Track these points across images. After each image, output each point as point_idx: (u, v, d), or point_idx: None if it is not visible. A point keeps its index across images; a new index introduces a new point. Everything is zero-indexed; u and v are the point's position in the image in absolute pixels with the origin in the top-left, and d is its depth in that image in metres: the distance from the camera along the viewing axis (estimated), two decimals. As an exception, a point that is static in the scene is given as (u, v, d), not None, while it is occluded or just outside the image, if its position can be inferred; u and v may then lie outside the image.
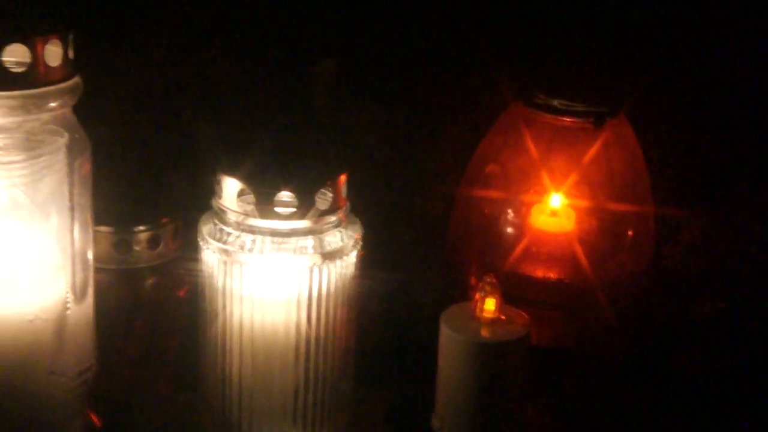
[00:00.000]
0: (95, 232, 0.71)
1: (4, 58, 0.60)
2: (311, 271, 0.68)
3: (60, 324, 0.67)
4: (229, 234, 0.68)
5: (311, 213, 0.67)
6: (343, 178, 0.69)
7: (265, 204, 0.66)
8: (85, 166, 0.67)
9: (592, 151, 0.86)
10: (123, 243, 0.81)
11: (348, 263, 0.70)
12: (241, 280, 0.68)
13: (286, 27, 0.93)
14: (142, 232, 0.81)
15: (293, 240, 0.68)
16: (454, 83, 1.01)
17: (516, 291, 0.80)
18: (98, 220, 0.70)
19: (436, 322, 0.73)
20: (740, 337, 0.91)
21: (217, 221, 0.69)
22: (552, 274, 0.88)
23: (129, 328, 0.83)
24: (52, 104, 0.63)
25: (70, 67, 0.64)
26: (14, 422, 0.68)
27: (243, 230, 0.67)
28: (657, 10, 0.92)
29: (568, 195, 0.88)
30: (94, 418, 0.75)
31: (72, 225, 0.67)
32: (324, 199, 0.68)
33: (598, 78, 0.87)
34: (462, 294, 0.90)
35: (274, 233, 0.67)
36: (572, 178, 0.87)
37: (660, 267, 0.95)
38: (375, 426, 0.79)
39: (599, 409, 0.82)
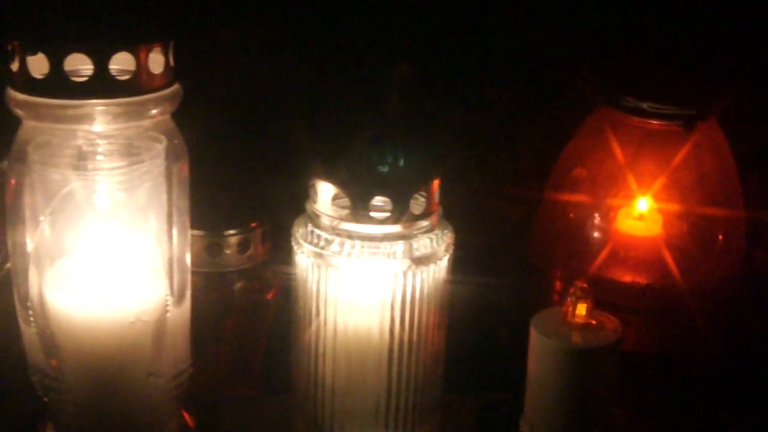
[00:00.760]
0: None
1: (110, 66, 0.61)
2: (405, 276, 0.68)
3: (160, 326, 0.68)
4: (323, 238, 0.69)
5: (405, 217, 0.67)
6: (436, 182, 0.69)
7: (360, 208, 0.67)
8: (183, 171, 0.68)
9: (682, 154, 0.85)
10: (214, 246, 0.81)
11: (440, 268, 0.70)
12: (336, 283, 0.68)
13: (373, 32, 0.94)
14: (233, 236, 0.82)
15: (385, 244, 0.68)
16: (538, 86, 1.00)
17: (602, 295, 0.80)
18: (191, 223, 0.71)
19: (519, 327, 0.72)
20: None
21: (311, 225, 0.69)
22: (640, 279, 0.87)
23: (219, 331, 0.84)
24: (154, 111, 0.64)
25: (171, 75, 0.65)
26: (112, 423, 0.69)
27: (337, 234, 0.68)
28: (748, 11, 0.91)
29: (655, 199, 0.87)
30: (188, 419, 0.76)
31: (170, 229, 0.68)
32: (418, 203, 0.68)
33: (688, 81, 0.86)
34: (545, 298, 0.90)
35: (368, 237, 0.68)
36: (660, 182, 0.86)
37: (750, 271, 0.93)
38: (464, 429, 0.79)
39: (689, 415, 0.82)
